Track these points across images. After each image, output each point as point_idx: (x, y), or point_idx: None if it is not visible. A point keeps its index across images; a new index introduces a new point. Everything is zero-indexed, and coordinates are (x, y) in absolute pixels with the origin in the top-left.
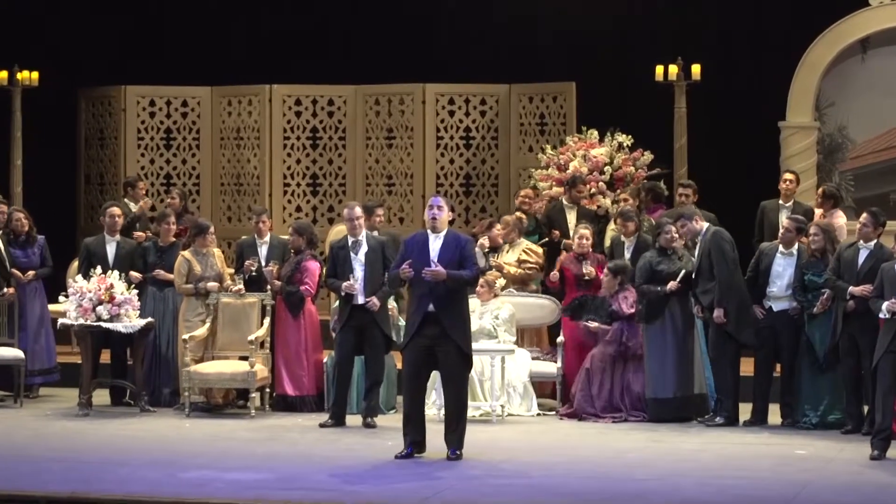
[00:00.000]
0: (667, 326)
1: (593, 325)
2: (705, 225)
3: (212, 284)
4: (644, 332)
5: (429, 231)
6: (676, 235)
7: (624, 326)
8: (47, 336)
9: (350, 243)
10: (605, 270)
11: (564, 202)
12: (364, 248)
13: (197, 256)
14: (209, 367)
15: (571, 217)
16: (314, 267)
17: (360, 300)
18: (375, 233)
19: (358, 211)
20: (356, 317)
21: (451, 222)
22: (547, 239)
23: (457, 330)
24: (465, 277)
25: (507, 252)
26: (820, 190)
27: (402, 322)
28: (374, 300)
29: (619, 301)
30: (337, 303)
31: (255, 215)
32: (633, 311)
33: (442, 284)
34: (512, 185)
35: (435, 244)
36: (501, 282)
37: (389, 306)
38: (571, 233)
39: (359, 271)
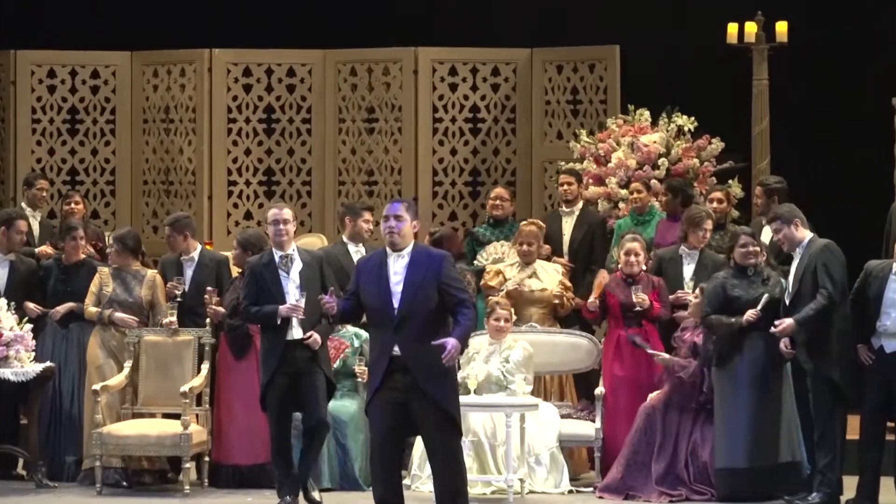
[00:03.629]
0: (742, 371)
1: (663, 356)
2: (809, 234)
3: (120, 315)
4: (714, 379)
5: (387, 249)
6: (758, 249)
7: (702, 369)
8: None
9: (278, 259)
10: (698, 291)
11: (563, 209)
12: (297, 264)
13: (117, 276)
14: (128, 428)
15: (567, 226)
16: None
17: (296, 333)
18: (361, 246)
19: (287, 213)
20: (290, 357)
21: (434, 239)
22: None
23: (432, 379)
24: (470, 323)
25: (518, 272)
26: None
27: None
28: (316, 336)
29: (704, 333)
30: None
31: (167, 225)
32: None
33: (415, 318)
34: (535, 184)
35: (398, 265)
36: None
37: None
38: (566, 247)
39: (293, 293)
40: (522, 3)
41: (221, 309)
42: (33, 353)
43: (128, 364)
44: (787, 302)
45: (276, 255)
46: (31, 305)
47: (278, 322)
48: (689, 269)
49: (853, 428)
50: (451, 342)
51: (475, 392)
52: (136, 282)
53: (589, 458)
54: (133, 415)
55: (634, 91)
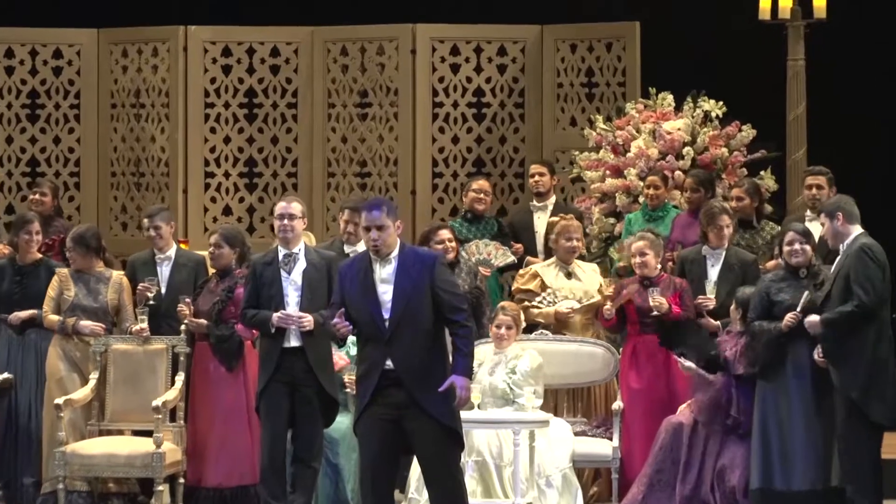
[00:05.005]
0: (787, 382)
1: (689, 364)
2: (855, 230)
3: (85, 324)
4: (757, 392)
5: (371, 254)
6: (806, 248)
7: (733, 385)
8: None
9: (281, 257)
10: (733, 306)
11: (535, 203)
12: (301, 265)
13: (79, 279)
14: (94, 447)
15: (541, 222)
16: None
17: (294, 341)
18: (358, 247)
19: (295, 207)
20: (287, 366)
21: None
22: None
23: (431, 395)
24: (470, 350)
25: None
26: None
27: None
28: (309, 318)
29: (737, 347)
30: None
31: (148, 218)
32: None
33: (408, 327)
34: None
35: (384, 271)
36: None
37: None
38: (540, 245)
39: (293, 297)
40: None
41: (202, 321)
42: None
43: (93, 375)
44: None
45: (280, 253)
46: None
47: (272, 331)
48: (713, 271)
49: (890, 446)
50: (458, 384)
51: (479, 407)
52: (101, 284)
53: (606, 480)
54: (99, 432)
55: (656, 73)
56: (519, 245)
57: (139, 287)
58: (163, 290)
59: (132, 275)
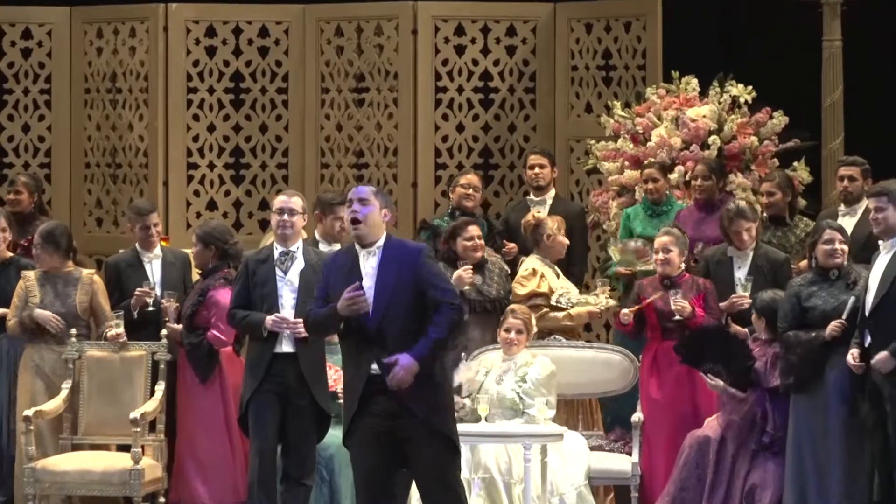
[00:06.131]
0: (826, 396)
1: (717, 382)
2: None
3: (41, 314)
4: (792, 406)
5: (356, 246)
6: (845, 248)
7: (766, 401)
8: None
9: (277, 255)
10: (754, 317)
11: (532, 198)
12: (299, 265)
13: (46, 281)
14: (68, 463)
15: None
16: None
17: (287, 346)
18: (335, 246)
19: (296, 202)
20: (277, 373)
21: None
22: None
23: (425, 401)
24: (444, 335)
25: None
26: None
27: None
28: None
29: (767, 357)
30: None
31: (137, 216)
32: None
33: (393, 327)
34: (560, 166)
35: (368, 264)
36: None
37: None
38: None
39: (288, 299)
40: None
41: (177, 325)
42: None
43: (65, 385)
44: (867, 312)
45: (277, 250)
46: None
47: (264, 335)
48: (741, 273)
49: None
50: (401, 362)
51: (486, 419)
52: (70, 287)
53: (625, 499)
54: (73, 446)
55: (679, 55)
56: (513, 245)
57: (136, 293)
58: (159, 293)
59: (117, 278)
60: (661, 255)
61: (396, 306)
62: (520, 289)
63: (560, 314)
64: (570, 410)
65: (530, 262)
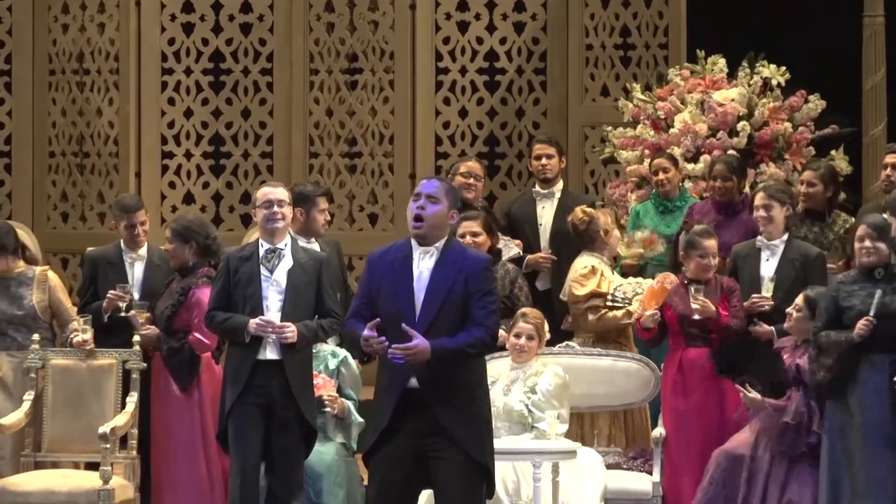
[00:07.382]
0: (860, 401)
1: (754, 395)
2: None
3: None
4: (827, 414)
5: (412, 241)
6: (880, 245)
7: (808, 402)
8: None
9: (263, 253)
10: (798, 303)
11: (538, 190)
12: (287, 263)
13: None
14: (30, 482)
15: (546, 212)
16: None
17: (272, 353)
18: (313, 242)
19: (282, 193)
20: (260, 383)
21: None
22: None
23: (462, 422)
24: (466, 348)
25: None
26: None
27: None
28: (294, 329)
29: (805, 357)
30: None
31: (122, 212)
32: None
33: (438, 334)
34: (571, 156)
35: (423, 264)
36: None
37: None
38: (546, 239)
39: (274, 301)
40: None
41: (153, 329)
42: None
43: (27, 397)
44: None
45: (263, 247)
46: None
47: (247, 340)
48: (768, 266)
49: None
50: (418, 345)
51: None
52: (24, 287)
53: None
54: (35, 464)
55: (705, 32)
56: (518, 241)
57: (109, 295)
58: (136, 297)
59: (94, 275)
60: (708, 260)
61: (445, 314)
62: (579, 289)
63: (619, 313)
64: (585, 424)
65: (587, 260)
